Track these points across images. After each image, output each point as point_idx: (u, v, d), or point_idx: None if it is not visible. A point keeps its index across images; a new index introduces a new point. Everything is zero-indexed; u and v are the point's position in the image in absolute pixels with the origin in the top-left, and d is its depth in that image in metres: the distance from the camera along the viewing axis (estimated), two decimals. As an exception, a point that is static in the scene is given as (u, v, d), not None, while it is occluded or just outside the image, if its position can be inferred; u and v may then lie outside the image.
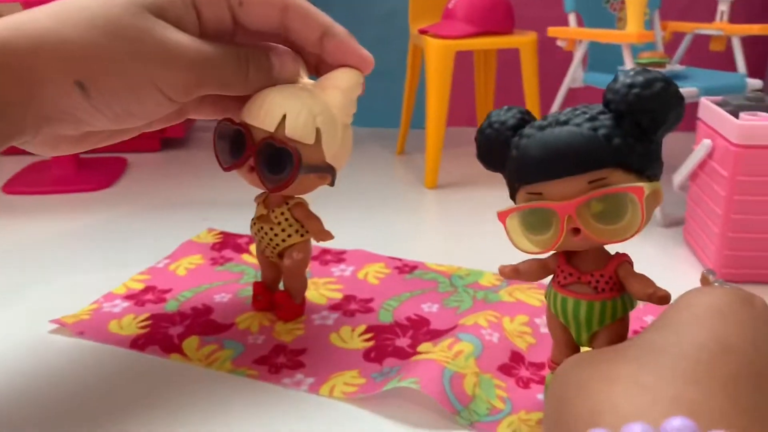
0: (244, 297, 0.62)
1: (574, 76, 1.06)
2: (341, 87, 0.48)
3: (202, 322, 0.57)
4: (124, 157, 1.23)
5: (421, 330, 0.56)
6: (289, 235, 0.55)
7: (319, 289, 0.64)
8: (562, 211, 0.36)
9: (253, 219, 0.57)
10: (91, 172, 1.10)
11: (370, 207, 0.96)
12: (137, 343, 0.54)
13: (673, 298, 0.35)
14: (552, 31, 1.04)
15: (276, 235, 0.55)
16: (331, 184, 0.51)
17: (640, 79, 0.35)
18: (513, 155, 0.38)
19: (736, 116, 0.70)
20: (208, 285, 0.65)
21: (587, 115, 0.36)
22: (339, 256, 0.72)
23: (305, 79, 0.51)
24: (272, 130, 0.46)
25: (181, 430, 0.44)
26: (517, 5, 1.13)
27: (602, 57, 1.12)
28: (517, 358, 0.51)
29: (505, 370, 0.49)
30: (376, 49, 1.86)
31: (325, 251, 0.74)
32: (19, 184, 1.04)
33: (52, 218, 0.90)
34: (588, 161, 0.35)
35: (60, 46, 0.36)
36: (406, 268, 0.69)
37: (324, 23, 0.47)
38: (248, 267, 0.70)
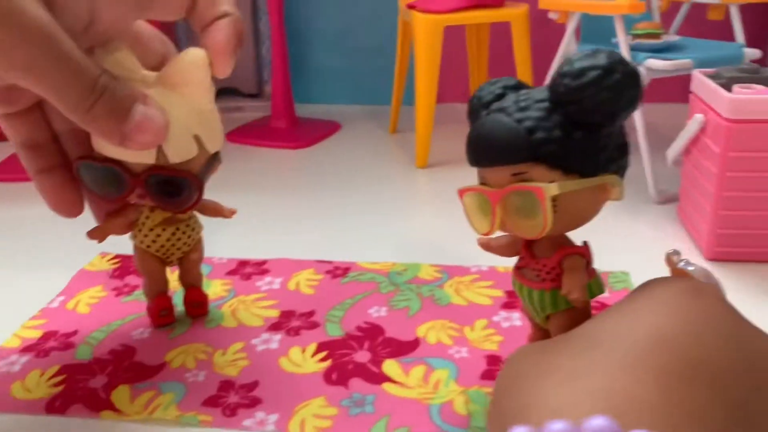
0: (167, 329, 0.55)
1: (567, 48, 1.03)
2: (196, 78, 0.43)
3: (127, 366, 0.49)
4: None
5: (378, 340, 0.52)
6: (196, 228, 0.53)
7: (250, 308, 0.58)
8: (492, 198, 0.36)
9: (145, 231, 0.51)
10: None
11: (359, 188, 0.94)
12: (54, 406, 0.45)
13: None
14: (543, 2, 1.01)
15: (193, 229, 0.53)
16: (219, 161, 0.48)
17: (573, 67, 0.33)
18: None
19: (729, 89, 0.68)
20: (120, 321, 0.56)
21: (524, 104, 0.35)
22: (260, 267, 0.66)
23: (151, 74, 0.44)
24: (153, 161, 0.43)
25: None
26: (508, -24, 1.10)
27: (596, 28, 1.09)
28: (493, 361, 0.50)
29: (488, 375, 0.48)
30: (366, 25, 1.84)
31: (244, 263, 0.67)
32: (6, 171, 1.03)
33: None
34: (507, 154, 0.35)
35: None
36: (338, 271, 0.65)
37: (223, 10, 0.43)
38: None
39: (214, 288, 0.62)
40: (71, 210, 0.47)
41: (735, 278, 0.64)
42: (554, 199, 0.34)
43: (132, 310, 0.58)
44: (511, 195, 0.35)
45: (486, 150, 0.36)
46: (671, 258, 0.38)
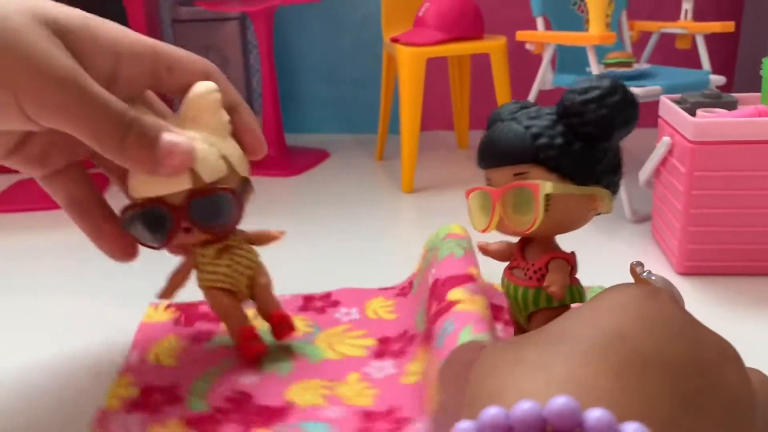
0: (271, 371, 0.51)
1: (544, 78, 1.08)
2: (209, 105, 0.46)
3: (254, 410, 0.46)
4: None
5: (451, 310, 0.50)
6: (252, 250, 0.52)
7: (346, 340, 0.56)
8: (494, 195, 0.40)
9: (206, 268, 0.50)
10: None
11: (348, 214, 0.98)
12: None
13: None
14: (520, 35, 1.07)
15: (249, 251, 0.52)
16: (252, 188, 0.50)
17: (581, 86, 0.38)
18: None
19: (693, 114, 0.73)
20: (215, 368, 0.52)
21: (534, 114, 0.40)
22: (328, 299, 0.64)
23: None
24: (190, 185, 0.45)
25: None
26: (489, 9, 1.15)
27: (570, 59, 1.14)
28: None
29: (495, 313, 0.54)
30: (353, 57, 1.89)
31: (309, 298, 0.64)
32: (7, 202, 1.06)
33: (44, 233, 0.91)
34: (511, 155, 0.39)
35: None
36: (404, 291, 0.63)
37: (235, 98, 0.48)
38: None
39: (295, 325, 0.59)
40: (130, 256, 0.50)
41: (705, 291, 0.68)
42: (547, 198, 0.38)
43: (221, 355, 0.53)
44: (511, 192, 0.39)
45: (495, 151, 0.40)
46: (635, 269, 0.42)
